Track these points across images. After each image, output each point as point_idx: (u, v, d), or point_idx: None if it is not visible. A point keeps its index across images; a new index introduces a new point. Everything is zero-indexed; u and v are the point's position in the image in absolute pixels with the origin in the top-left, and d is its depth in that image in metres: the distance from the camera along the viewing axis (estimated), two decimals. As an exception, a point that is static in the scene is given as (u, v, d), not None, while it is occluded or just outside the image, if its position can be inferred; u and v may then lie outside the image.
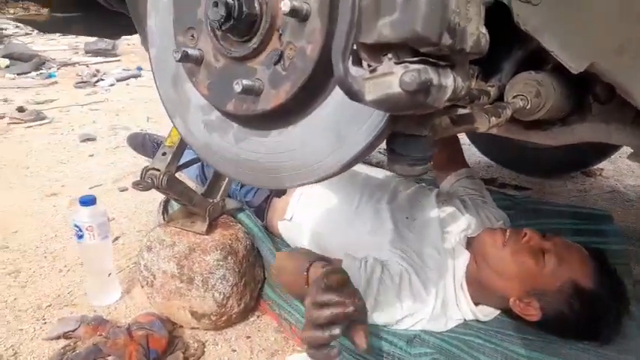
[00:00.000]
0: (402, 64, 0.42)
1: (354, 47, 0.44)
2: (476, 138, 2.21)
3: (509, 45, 0.84)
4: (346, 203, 1.36)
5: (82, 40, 7.62)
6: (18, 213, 1.89)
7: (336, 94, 0.50)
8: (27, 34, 9.80)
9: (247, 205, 1.53)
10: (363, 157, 0.50)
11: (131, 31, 1.46)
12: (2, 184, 2.16)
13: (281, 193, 0.67)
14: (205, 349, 1.17)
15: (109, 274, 1.33)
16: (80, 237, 1.25)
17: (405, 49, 0.43)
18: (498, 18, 0.63)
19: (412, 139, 0.52)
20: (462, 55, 0.47)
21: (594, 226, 1.50)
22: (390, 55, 0.43)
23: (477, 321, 1.18)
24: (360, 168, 1.55)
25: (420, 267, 1.13)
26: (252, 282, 1.26)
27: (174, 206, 1.63)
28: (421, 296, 1.09)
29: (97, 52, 6.14)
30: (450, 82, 0.46)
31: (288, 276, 1.06)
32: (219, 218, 1.28)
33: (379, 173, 1.52)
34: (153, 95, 4.07)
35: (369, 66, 0.45)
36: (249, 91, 0.49)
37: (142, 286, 1.24)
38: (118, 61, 5.96)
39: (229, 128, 0.59)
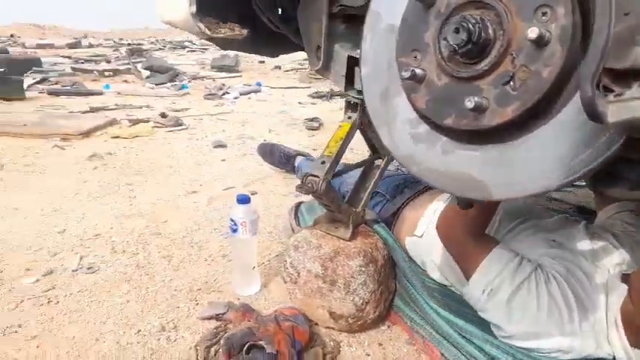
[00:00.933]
0: (652, 90, 0.45)
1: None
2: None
3: None
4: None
5: (208, 56, 8.40)
6: (166, 206, 2.14)
7: (561, 117, 0.53)
8: (160, 49, 11.03)
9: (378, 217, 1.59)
10: (581, 179, 0.52)
11: (288, 50, 1.62)
12: (151, 180, 2.46)
13: (469, 205, 0.70)
14: (341, 349, 1.23)
15: (253, 268, 1.46)
16: (234, 231, 1.39)
17: (656, 76, 0.45)
18: None
19: (634, 164, 0.54)
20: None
21: None
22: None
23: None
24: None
25: (575, 287, 1.10)
26: (387, 291, 1.30)
27: (304, 212, 1.75)
28: (571, 313, 1.06)
29: (221, 68, 6.71)
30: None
31: None
32: (360, 227, 1.35)
33: (520, 200, 1.49)
34: (272, 109, 4.38)
35: (606, 89, 0.48)
36: (478, 108, 0.55)
37: (285, 282, 1.35)
38: (240, 76, 6.46)
39: (437, 141, 0.64)
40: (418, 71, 0.61)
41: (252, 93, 5.14)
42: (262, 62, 7.91)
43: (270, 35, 1.51)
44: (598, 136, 0.51)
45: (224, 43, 1.41)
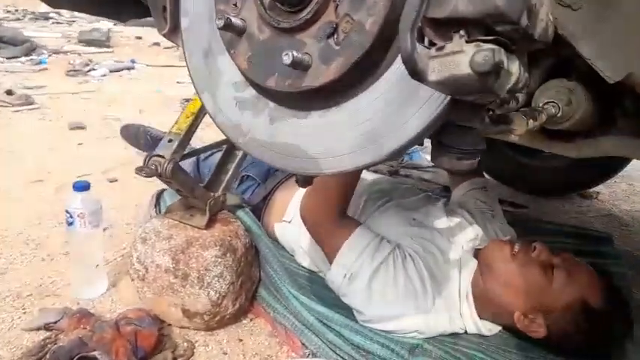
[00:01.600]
0: (474, 43, 0.39)
1: (420, 23, 0.41)
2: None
3: (540, 50, 0.82)
4: (351, 207, 1.32)
5: (76, 29, 7.51)
6: (1, 198, 1.80)
7: (389, 76, 0.46)
8: (18, 19, 9.61)
9: (245, 203, 1.48)
10: (411, 145, 0.46)
11: (138, 14, 1.42)
12: (-15, 167, 2.07)
13: (308, 182, 0.62)
14: (195, 350, 1.11)
15: (97, 265, 1.26)
16: (70, 224, 1.19)
17: (479, 26, 0.39)
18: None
19: (462, 131, 0.49)
20: (530, 42, 0.44)
21: (594, 247, 1.49)
22: (461, 33, 0.40)
23: (480, 335, 1.14)
24: (365, 174, 1.52)
25: (429, 264, 1.10)
26: (249, 282, 1.21)
27: (167, 200, 1.57)
28: (426, 291, 1.07)
29: (90, 42, 6.03)
30: (515, 68, 0.42)
31: None
32: (219, 214, 1.22)
33: (385, 180, 1.49)
34: (146, 88, 4.03)
35: (432, 44, 0.42)
36: (298, 65, 0.46)
37: (132, 280, 1.18)
38: (111, 52, 5.86)
39: (265, 107, 0.55)
40: (235, 21, 0.50)
41: (125, 70, 4.67)
42: (139, 38, 7.25)
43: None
44: (425, 99, 0.45)
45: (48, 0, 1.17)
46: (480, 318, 1.13)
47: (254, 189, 1.59)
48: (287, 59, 0.45)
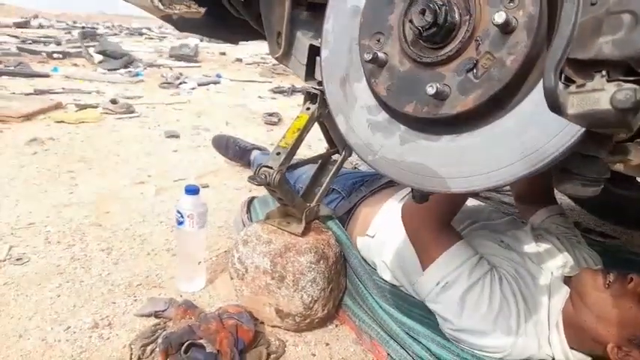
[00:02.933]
0: (615, 82, 0.43)
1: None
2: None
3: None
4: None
5: (166, 45, 8.12)
6: (109, 196, 2.01)
7: (522, 108, 0.51)
8: (115, 34, 10.57)
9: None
10: (540, 171, 0.51)
11: (249, 36, 1.56)
12: (96, 169, 2.31)
13: (424, 199, 0.68)
14: (286, 349, 1.18)
15: (199, 263, 1.39)
16: (180, 223, 1.32)
17: (620, 68, 0.43)
18: None
19: (590, 160, 0.53)
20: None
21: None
22: (602, 73, 0.44)
23: (567, 361, 1.12)
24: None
25: (521, 288, 1.11)
26: (337, 289, 1.27)
27: (257, 207, 1.69)
28: (519, 314, 1.07)
29: (179, 57, 6.50)
30: (648, 106, 0.46)
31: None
32: (312, 223, 1.31)
33: (471, 201, 1.50)
34: (231, 101, 4.27)
35: (568, 80, 0.46)
36: (439, 95, 0.52)
37: (232, 278, 1.29)
38: (199, 67, 6.27)
39: (396, 130, 0.61)
40: (380, 55, 0.58)
41: (211, 84, 5.00)
42: (223, 54, 7.73)
43: (231, 20, 1.45)
44: (557, 131, 0.49)
45: (180, 23, 1.33)
46: (570, 348, 1.11)
47: (338, 202, 1.66)
48: (431, 90, 0.51)
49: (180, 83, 4.74)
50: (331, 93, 0.70)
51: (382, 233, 1.45)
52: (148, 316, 1.25)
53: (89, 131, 2.91)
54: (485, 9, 0.50)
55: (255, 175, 1.10)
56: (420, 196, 0.66)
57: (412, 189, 0.65)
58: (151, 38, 10.45)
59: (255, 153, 2.39)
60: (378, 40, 0.59)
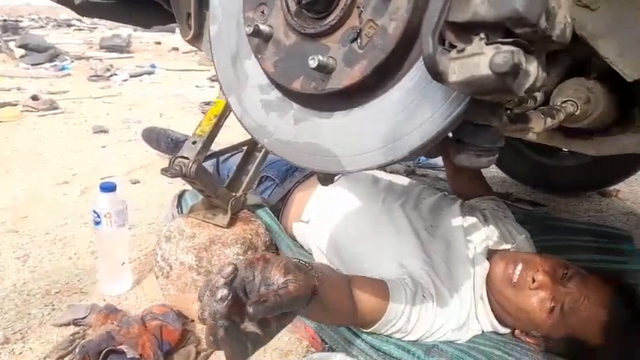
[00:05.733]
0: (494, 45, 0.41)
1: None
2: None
3: (559, 50, 0.83)
4: (368, 209, 1.33)
5: (97, 36, 7.68)
6: (29, 199, 1.87)
7: (410, 78, 0.48)
8: (42, 27, 9.87)
9: (265, 202, 1.51)
10: (432, 143, 0.48)
11: (163, 20, 1.46)
12: (15, 170, 2.14)
13: (329, 181, 0.64)
14: (218, 345, 1.14)
15: (123, 263, 1.30)
16: (98, 223, 1.23)
17: (499, 29, 0.41)
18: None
19: (481, 129, 0.51)
20: (548, 42, 0.45)
21: (614, 245, 1.48)
22: (481, 35, 0.41)
23: (497, 333, 1.15)
24: (381, 175, 1.53)
25: (447, 276, 1.11)
26: (269, 280, 1.23)
27: (188, 200, 1.61)
28: (450, 308, 1.06)
29: (111, 48, 6.16)
30: (533, 69, 0.44)
31: None
32: (240, 213, 1.26)
33: (401, 180, 1.50)
34: (166, 92, 4.10)
35: (452, 46, 0.44)
36: (322, 68, 0.48)
37: (157, 277, 1.22)
38: (132, 57, 5.97)
39: (289, 108, 0.57)
40: (263, 27, 0.53)
41: (145, 75, 4.76)
42: (158, 43, 7.40)
43: (143, 3, 1.35)
44: (445, 99, 0.46)
45: (83, 7, 1.22)
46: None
47: (273, 189, 1.61)
48: (313, 63, 0.47)
49: (111, 75, 4.49)
50: (222, 72, 0.65)
51: (316, 218, 1.42)
52: (67, 325, 1.17)
53: (7, 131, 2.69)
54: (364, -28, 0.46)
55: (169, 167, 1.03)
56: (324, 179, 0.63)
57: (316, 172, 0.61)
58: (81, 29, 9.85)
59: (188, 144, 2.29)
60: (263, 12, 0.55)
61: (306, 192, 1.49)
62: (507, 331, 1.15)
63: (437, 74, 0.42)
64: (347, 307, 0.90)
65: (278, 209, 1.53)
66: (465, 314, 1.08)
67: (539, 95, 0.85)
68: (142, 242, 1.59)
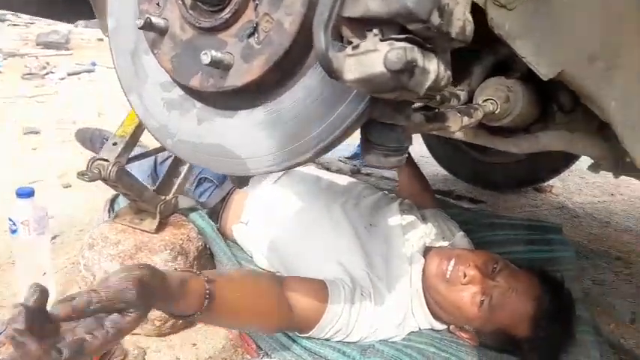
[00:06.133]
0: (388, 42, 0.39)
1: (336, 21, 0.41)
2: (434, 149, 2.24)
3: (480, 49, 0.84)
4: (307, 208, 1.32)
5: (34, 32, 7.24)
6: (-55, 206, 1.71)
7: (312, 75, 0.46)
8: (-29, 20, 9.19)
9: (202, 205, 1.46)
10: (337, 144, 0.46)
11: (87, 15, 1.38)
12: None
13: (243, 183, 0.61)
14: (146, 357, 1.08)
15: (44, 274, 1.22)
16: (14, 231, 1.14)
17: (392, 25, 0.40)
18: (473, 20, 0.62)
19: (388, 128, 0.49)
20: (447, 40, 0.44)
21: (544, 236, 1.54)
22: (375, 31, 0.40)
23: (433, 330, 1.16)
24: (324, 174, 1.52)
25: (385, 275, 1.11)
26: (204, 286, 1.18)
27: (121, 205, 1.53)
28: (388, 306, 1.06)
29: (48, 45, 5.82)
30: (433, 67, 0.43)
31: None
32: (171, 217, 1.20)
33: (342, 180, 1.49)
34: (105, 91, 3.91)
35: (350, 43, 0.42)
36: (218, 64, 0.45)
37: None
38: (71, 55, 5.67)
39: (192, 107, 0.53)
40: (157, 20, 0.49)
41: (84, 73, 4.53)
42: (101, 40, 7.05)
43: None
44: (347, 97, 0.44)
45: (10, 2, 1.13)
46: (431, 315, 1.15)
47: (212, 191, 1.56)
48: (206, 58, 0.44)
49: (47, 73, 4.23)
50: (121, 69, 0.60)
51: (256, 219, 1.39)
52: (-20, 342, 1.07)
53: None
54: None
55: (86, 169, 0.97)
56: (237, 181, 0.60)
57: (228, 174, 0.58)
58: (16, 25, 9.25)
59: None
60: (158, 4, 0.51)
61: (245, 193, 1.46)
62: (443, 327, 1.17)
63: (332, 72, 0.40)
64: (265, 306, 0.89)
65: (217, 211, 1.48)
66: (402, 312, 1.09)
67: (462, 94, 0.85)
68: (71, 250, 1.50)
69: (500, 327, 1.06)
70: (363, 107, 0.44)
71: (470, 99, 0.85)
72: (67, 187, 1.97)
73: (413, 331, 1.14)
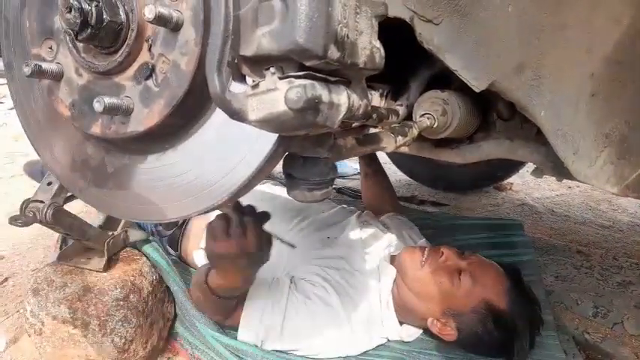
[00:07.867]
0: (287, 79, 0.37)
1: (235, 61, 0.39)
2: (395, 156, 2.25)
3: (416, 64, 0.84)
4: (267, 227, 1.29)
5: (-20, 59, 6.97)
6: None
7: (218, 115, 0.44)
8: None
9: (158, 234, 1.41)
10: (253, 184, 0.44)
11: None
12: None
13: (170, 227, 0.59)
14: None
15: (-11, 324, 1.15)
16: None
17: (291, 62, 0.38)
18: (405, 36, 0.61)
19: (310, 162, 0.48)
20: (356, 70, 0.43)
21: (506, 238, 1.55)
22: (272, 70, 0.38)
23: (402, 342, 1.15)
24: (281, 191, 1.50)
25: (343, 288, 1.10)
26: (161, 320, 1.14)
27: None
28: (339, 317, 1.05)
29: (-3, 72, 5.60)
30: (343, 99, 0.41)
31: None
32: (121, 252, 1.15)
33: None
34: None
35: (254, 81, 0.40)
36: (116, 110, 0.42)
37: (29, 335, 1.08)
38: (22, 81, 5.48)
39: (102, 153, 0.50)
40: (48, 67, 0.46)
41: (37, 101, 4.38)
42: (55, 65, 6.88)
43: None
44: (258, 134, 0.42)
45: None
46: (402, 323, 1.14)
47: (169, 218, 1.52)
48: (99, 106, 0.41)
49: (-4, 103, 4.07)
50: (26, 120, 0.57)
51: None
52: None
53: None
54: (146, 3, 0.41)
55: (20, 214, 0.91)
56: (165, 226, 0.57)
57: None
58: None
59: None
60: (50, 48, 0.48)
61: (204, 218, 1.41)
62: (414, 337, 1.16)
63: (234, 113, 0.38)
64: None
65: (176, 239, 1.44)
66: (362, 326, 1.07)
67: (401, 109, 0.85)
68: (23, 293, 1.42)
69: (480, 301, 1.05)
70: (275, 146, 0.42)
71: (410, 113, 0.84)
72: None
73: (380, 344, 1.12)
